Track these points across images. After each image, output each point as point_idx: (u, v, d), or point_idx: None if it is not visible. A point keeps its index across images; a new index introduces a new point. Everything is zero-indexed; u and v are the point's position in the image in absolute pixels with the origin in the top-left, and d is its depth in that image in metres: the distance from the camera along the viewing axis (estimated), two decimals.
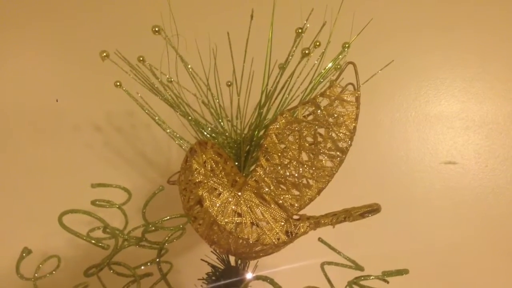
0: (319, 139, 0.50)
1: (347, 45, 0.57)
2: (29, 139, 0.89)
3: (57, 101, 0.88)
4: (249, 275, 0.53)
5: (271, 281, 0.44)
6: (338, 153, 0.50)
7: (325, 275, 0.53)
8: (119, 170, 0.86)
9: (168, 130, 0.60)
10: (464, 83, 0.94)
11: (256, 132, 0.59)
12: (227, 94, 0.64)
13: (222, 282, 0.52)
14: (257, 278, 0.45)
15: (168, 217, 0.50)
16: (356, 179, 0.89)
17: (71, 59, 0.90)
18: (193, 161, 0.51)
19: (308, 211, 0.55)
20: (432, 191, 0.92)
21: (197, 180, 0.51)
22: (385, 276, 0.49)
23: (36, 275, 0.58)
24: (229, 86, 0.63)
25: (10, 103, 0.89)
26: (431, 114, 0.93)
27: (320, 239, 0.55)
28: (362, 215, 0.48)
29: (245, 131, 0.60)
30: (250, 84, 0.61)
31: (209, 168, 0.52)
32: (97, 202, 0.54)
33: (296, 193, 0.51)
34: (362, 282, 0.50)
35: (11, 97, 0.89)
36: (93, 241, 0.46)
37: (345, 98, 0.50)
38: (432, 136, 0.93)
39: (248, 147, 0.59)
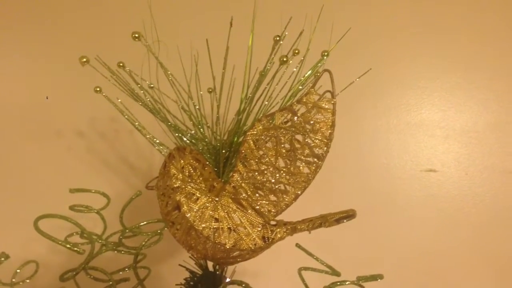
0: (296, 145, 0.51)
1: (326, 53, 0.57)
2: (11, 143, 0.88)
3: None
4: (227, 281, 0.53)
5: (246, 286, 0.44)
6: (314, 159, 0.50)
7: (302, 280, 0.54)
8: (100, 175, 0.86)
9: (148, 136, 0.61)
10: (444, 92, 0.96)
11: (235, 139, 0.59)
12: (209, 101, 0.64)
13: None
14: (232, 282, 0.45)
15: (145, 222, 0.50)
16: (337, 185, 0.89)
17: (53, 64, 0.90)
18: (171, 166, 0.52)
19: (286, 217, 0.55)
20: (413, 199, 0.93)
21: (175, 186, 0.51)
22: (360, 281, 0.49)
23: (13, 280, 0.58)
24: (210, 92, 0.63)
25: None
26: (412, 123, 0.95)
27: (297, 245, 0.55)
28: (338, 221, 0.49)
29: (225, 137, 0.61)
30: (231, 91, 0.62)
31: (187, 173, 0.52)
32: (75, 208, 0.54)
33: (273, 198, 0.52)
34: (338, 287, 0.51)
35: None
36: (68, 246, 0.46)
37: (322, 105, 0.50)
38: (413, 144, 0.94)
39: (227, 153, 0.59)
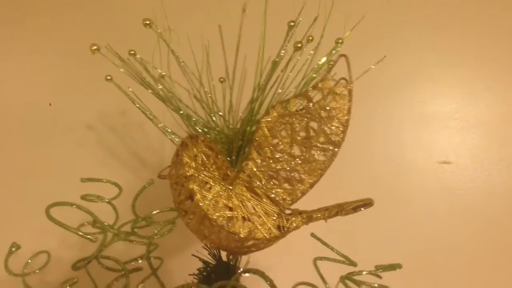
0: (311, 133, 0.50)
1: (340, 41, 0.56)
2: (22, 139, 0.88)
3: (50, 104, 0.87)
4: (241, 270, 0.52)
5: (262, 274, 0.43)
6: (330, 146, 0.49)
7: (318, 270, 0.53)
8: (111, 168, 0.86)
9: (160, 125, 0.60)
10: (459, 82, 0.94)
11: (248, 128, 0.58)
12: (220, 90, 0.63)
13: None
14: (247, 271, 0.44)
15: (158, 210, 0.49)
16: (348, 178, 0.88)
17: (62, 58, 0.89)
18: (184, 154, 0.51)
19: (300, 206, 0.54)
20: (427, 191, 0.91)
21: (188, 174, 0.50)
22: (378, 270, 0.48)
23: (25, 270, 0.57)
24: (222, 82, 0.62)
25: (1, 103, 0.88)
26: (426, 114, 0.93)
27: (312, 235, 0.54)
28: (355, 209, 0.48)
29: (237, 126, 0.60)
30: (243, 79, 0.61)
31: (200, 161, 0.51)
32: (87, 197, 0.53)
33: (288, 187, 0.51)
34: (355, 278, 0.50)
35: (2, 98, 0.89)
36: (80, 233, 0.45)
37: (338, 91, 0.49)
38: (427, 135, 0.93)
39: (240, 142, 0.58)
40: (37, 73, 0.91)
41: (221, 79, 0.61)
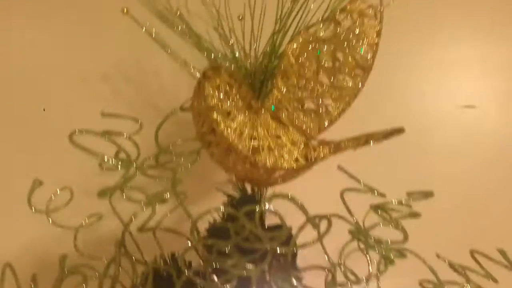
0: (340, 58, 0.48)
1: None
2: (36, 89, 0.87)
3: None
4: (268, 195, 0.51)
5: (291, 198, 0.42)
6: (359, 71, 0.47)
7: (344, 203, 0.52)
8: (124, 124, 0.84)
9: (180, 60, 0.58)
10: (484, 26, 0.91)
11: (271, 62, 0.56)
12: (239, 26, 0.61)
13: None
14: (276, 196, 0.43)
15: (181, 140, 0.48)
16: (368, 122, 0.85)
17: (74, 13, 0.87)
18: (206, 85, 0.49)
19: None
20: (449, 136, 0.89)
21: (211, 104, 0.48)
22: (410, 198, 0.47)
23: (48, 207, 0.57)
24: (240, 20, 0.60)
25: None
26: (449, 58, 0.90)
27: (339, 167, 0.53)
28: (386, 136, 0.46)
29: (260, 60, 0.58)
30: (264, 11, 0.58)
31: (223, 92, 0.50)
32: (107, 134, 0.52)
33: (315, 115, 0.49)
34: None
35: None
36: (106, 160, 0.44)
37: (367, 13, 0.47)
38: (450, 80, 0.90)
39: (262, 77, 0.56)
40: (48, 23, 0.89)
41: (240, 17, 0.59)
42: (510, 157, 0.89)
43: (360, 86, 0.48)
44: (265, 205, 0.42)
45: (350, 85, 0.48)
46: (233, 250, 0.41)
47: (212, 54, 0.56)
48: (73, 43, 0.89)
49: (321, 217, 0.43)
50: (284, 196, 0.42)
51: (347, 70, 0.48)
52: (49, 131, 0.79)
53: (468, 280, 0.51)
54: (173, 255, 0.56)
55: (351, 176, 0.53)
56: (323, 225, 0.45)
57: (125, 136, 0.51)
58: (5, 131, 0.82)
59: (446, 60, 0.91)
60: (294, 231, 0.45)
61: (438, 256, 0.51)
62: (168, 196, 0.51)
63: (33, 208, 0.55)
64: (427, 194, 0.47)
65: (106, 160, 0.50)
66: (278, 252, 0.42)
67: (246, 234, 0.40)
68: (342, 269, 0.50)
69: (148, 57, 0.88)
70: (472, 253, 0.51)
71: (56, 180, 0.58)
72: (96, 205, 0.61)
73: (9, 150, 0.81)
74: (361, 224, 0.51)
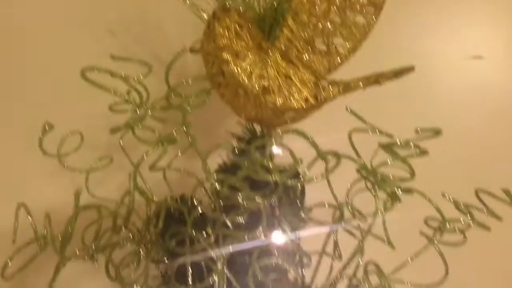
0: None
1: None
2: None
3: None
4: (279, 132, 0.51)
5: (301, 133, 0.43)
6: (371, 8, 0.47)
7: (352, 143, 0.52)
8: (130, 70, 0.84)
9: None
10: None
11: (281, 0, 0.55)
12: None
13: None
14: (286, 131, 0.44)
15: (190, 79, 0.48)
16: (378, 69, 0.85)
17: None
18: (216, 25, 0.49)
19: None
20: (456, 87, 0.89)
21: (221, 44, 0.48)
22: (418, 136, 0.47)
23: (59, 151, 0.58)
24: None
25: None
26: (457, 7, 0.88)
27: (348, 108, 0.53)
28: (396, 75, 0.46)
29: (268, 2, 0.57)
30: None
31: (233, 32, 0.49)
32: (115, 75, 0.52)
33: (326, 54, 0.49)
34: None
35: None
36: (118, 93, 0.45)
37: None
38: (459, 29, 0.89)
39: (272, 17, 0.56)
40: None
41: None
42: None
43: (372, 23, 0.48)
44: (275, 140, 0.43)
45: (361, 23, 0.48)
46: (243, 184, 0.42)
47: None
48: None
49: (330, 153, 0.43)
50: (295, 131, 0.43)
51: (358, 7, 0.47)
52: (58, 77, 0.79)
53: (472, 218, 0.52)
54: (182, 196, 0.57)
55: (359, 118, 0.53)
56: (332, 162, 0.46)
57: (135, 79, 0.51)
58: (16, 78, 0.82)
59: (456, 9, 0.90)
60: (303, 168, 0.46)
61: (443, 194, 0.52)
62: (178, 138, 0.51)
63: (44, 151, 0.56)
64: (436, 132, 0.47)
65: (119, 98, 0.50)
66: (288, 185, 0.43)
67: (256, 167, 0.41)
68: (350, 207, 0.52)
69: (151, 8, 0.87)
70: (477, 192, 0.52)
71: (66, 125, 0.59)
72: (106, 150, 0.62)
73: (18, 96, 0.81)
74: (368, 164, 0.52)
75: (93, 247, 0.46)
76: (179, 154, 0.52)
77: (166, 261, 0.54)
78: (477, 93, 0.89)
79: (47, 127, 0.56)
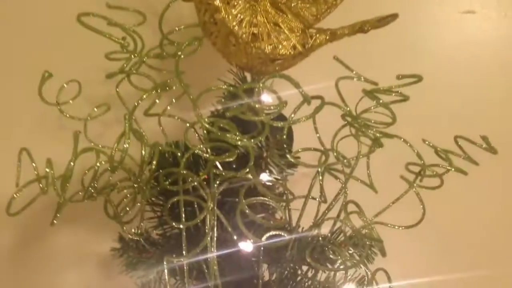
0: None
1: None
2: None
3: None
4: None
5: (287, 78, 0.45)
6: None
7: (339, 92, 0.54)
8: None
9: None
10: None
11: None
12: None
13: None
14: (274, 76, 0.46)
15: (183, 26, 0.50)
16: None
17: None
18: None
19: None
20: (447, 42, 0.90)
21: None
22: (399, 82, 0.49)
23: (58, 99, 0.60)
24: None
25: None
26: None
27: (335, 57, 0.55)
28: (380, 22, 0.48)
29: None
30: None
31: None
32: (111, 22, 0.53)
33: (313, 2, 0.51)
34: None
35: None
36: (115, 39, 0.47)
37: None
38: None
39: None
40: None
41: None
42: (508, 62, 0.91)
43: None
44: (263, 85, 0.45)
45: None
46: (231, 125, 0.44)
47: None
48: None
49: (315, 97, 0.45)
50: (281, 76, 0.45)
51: None
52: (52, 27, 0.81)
53: (450, 164, 0.55)
54: (176, 142, 0.60)
55: (346, 67, 0.55)
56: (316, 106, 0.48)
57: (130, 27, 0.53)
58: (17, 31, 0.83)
59: None
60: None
61: (424, 141, 0.55)
62: (172, 85, 0.53)
63: (44, 99, 0.58)
64: (417, 78, 0.49)
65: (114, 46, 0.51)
66: (275, 127, 0.45)
67: (243, 109, 0.43)
68: (335, 152, 0.54)
69: None
70: (456, 138, 0.55)
71: (64, 75, 0.61)
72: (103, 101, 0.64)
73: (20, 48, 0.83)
74: (353, 111, 0.54)
75: (93, 185, 0.48)
76: (174, 101, 0.54)
77: (161, 202, 0.57)
78: (467, 47, 0.90)
79: (46, 75, 0.57)
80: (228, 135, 0.44)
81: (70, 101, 0.61)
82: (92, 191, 0.51)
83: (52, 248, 0.87)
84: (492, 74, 0.89)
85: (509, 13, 0.90)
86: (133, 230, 0.54)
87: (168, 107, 0.58)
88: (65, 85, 0.60)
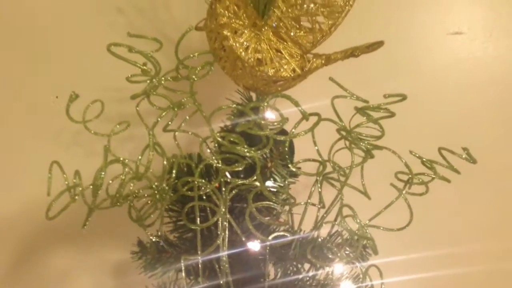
0: None
1: None
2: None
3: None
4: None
5: (288, 97, 0.52)
6: None
7: (334, 108, 0.61)
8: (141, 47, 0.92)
9: None
10: None
11: None
12: None
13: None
14: (275, 96, 0.53)
15: (197, 53, 0.57)
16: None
17: None
18: (218, 6, 0.58)
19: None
20: (438, 62, 0.97)
21: (222, 22, 0.57)
22: (386, 100, 0.56)
23: (84, 118, 0.67)
24: None
25: None
26: None
27: (330, 78, 0.62)
28: (368, 48, 0.55)
29: None
30: None
31: (232, 11, 0.58)
32: (133, 50, 0.61)
33: (310, 30, 0.58)
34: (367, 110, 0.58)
35: None
36: (138, 65, 0.54)
37: None
38: (440, 6, 0.96)
39: (265, 0, 0.64)
40: None
41: None
42: (495, 79, 0.98)
43: (349, 4, 0.57)
44: (267, 103, 0.52)
45: (340, 3, 0.57)
46: (240, 138, 0.51)
47: None
48: None
49: (313, 114, 0.53)
50: (283, 95, 0.52)
51: None
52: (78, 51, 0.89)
53: (435, 173, 0.62)
54: (189, 155, 0.67)
55: (340, 86, 0.62)
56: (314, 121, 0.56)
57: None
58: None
59: None
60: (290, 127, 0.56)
61: (411, 152, 0.62)
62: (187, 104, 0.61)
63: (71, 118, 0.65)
64: (402, 96, 0.56)
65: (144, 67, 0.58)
66: (278, 141, 0.52)
67: (251, 125, 0.50)
68: (331, 162, 0.61)
69: None
70: (440, 150, 0.62)
71: (88, 95, 0.68)
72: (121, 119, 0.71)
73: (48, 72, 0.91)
74: (347, 126, 0.61)
75: (120, 193, 0.55)
76: (187, 118, 0.61)
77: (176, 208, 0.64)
78: (455, 66, 0.98)
79: (73, 96, 0.65)
80: (237, 147, 0.51)
81: (94, 119, 0.68)
82: (118, 197, 0.58)
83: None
84: (478, 92, 0.97)
85: (495, 34, 0.97)
86: (153, 233, 0.61)
87: (183, 124, 0.65)
88: (90, 104, 0.67)
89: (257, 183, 0.53)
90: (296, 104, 0.50)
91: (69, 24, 0.95)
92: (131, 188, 0.62)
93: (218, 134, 0.52)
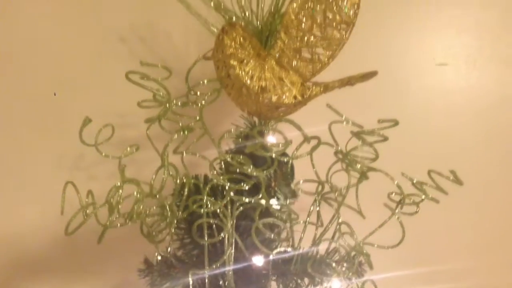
0: (329, 15, 0.62)
1: None
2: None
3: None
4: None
5: (291, 122, 0.57)
6: (344, 25, 0.61)
7: (331, 133, 0.66)
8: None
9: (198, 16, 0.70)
10: None
11: (274, 19, 0.69)
12: None
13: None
14: (279, 120, 0.58)
15: (206, 80, 0.62)
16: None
17: None
18: (225, 37, 0.63)
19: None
20: (426, 90, 1.04)
21: (229, 52, 0.62)
22: (380, 125, 0.61)
23: (96, 141, 0.71)
24: None
25: None
26: (431, 17, 1.02)
27: (328, 105, 0.68)
28: (363, 78, 0.60)
29: (266, 18, 0.70)
30: None
31: (238, 42, 0.63)
32: (141, 76, 0.65)
33: (310, 61, 0.63)
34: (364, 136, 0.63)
35: None
36: (154, 92, 0.58)
37: None
38: (430, 38, 1.03)
39: (268, 31, 0.70)
40: None
41: None
42: (478, 109, 1.04)
43: (345, 37, 0.62)
44: (271, 127, 0.57)
45: (337, 37, 0.62)
46: (247, 160, 0.56)
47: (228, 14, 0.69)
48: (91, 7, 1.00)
49: (313, 137, 0.57)
50: (285, 120, 0.57)
51: (335, 24, 0.62)
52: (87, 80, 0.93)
53: (425, 194, 0.67)
54: (196, 176, 0.71)
55: (337, 112, 0.67)
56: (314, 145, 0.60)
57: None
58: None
59: (425, 20, 1.03)
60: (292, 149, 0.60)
61: (403, 174, 0.66)
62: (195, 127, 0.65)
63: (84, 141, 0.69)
64: (393, 122, 0.61)
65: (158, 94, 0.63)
66: (281, 162, 0.57)
67: (256, 147, 0.55)
68: (329, 183, 0.66)
69: (160, 19, 1.00)
70: (429, 172, 0.66)
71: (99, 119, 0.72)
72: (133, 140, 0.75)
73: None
74: (343, 149, 0.66)
75: (135, 211, 0.58)
76: (195, 141, 0.66)
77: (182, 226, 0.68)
78: (442, 94, 1.04)
79: (87, 121, 0.69)
80: (245, 167, 0.56)
81: (105, 142, 0.72)
82: (131, 215, 0.62)
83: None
84: (463, 118, 1.03)
85: (478, 64, 1.04)
86: (163, 250, 0.65)
87: (190, 147, 0.70)
88: (102, 128, 0.71)
89: (263, 201, 0.57)
90: (299, 128, 0.55)
91: (74, 52, 0.99)
92: (141, 207, 0.65)
93: (228, 155, 0.56)
